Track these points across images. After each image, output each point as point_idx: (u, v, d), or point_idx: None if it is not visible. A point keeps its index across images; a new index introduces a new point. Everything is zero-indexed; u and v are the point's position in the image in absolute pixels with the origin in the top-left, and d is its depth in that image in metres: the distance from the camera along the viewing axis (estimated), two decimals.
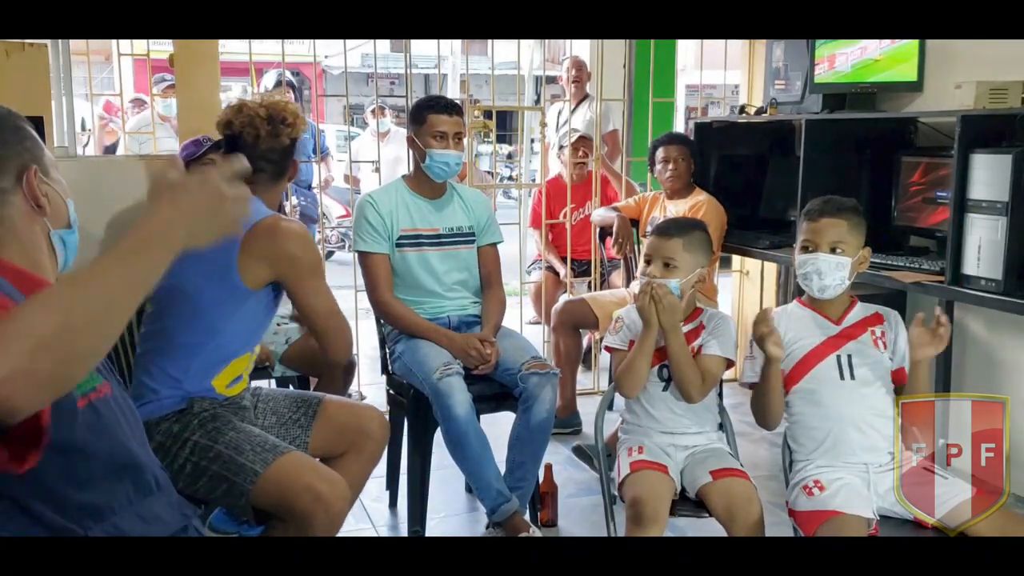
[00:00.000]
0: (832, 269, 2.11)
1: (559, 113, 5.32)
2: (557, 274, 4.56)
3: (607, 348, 2.40)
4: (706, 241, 2.34)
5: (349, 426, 2.21)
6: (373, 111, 6.19)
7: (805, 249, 2.14)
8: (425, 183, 2.88)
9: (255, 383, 2.96)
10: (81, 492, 1.27)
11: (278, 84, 5.61)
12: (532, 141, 7.48)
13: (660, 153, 3.67)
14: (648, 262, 2.28)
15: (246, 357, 2.12)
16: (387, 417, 3.02)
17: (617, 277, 4.20)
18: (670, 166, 3.62)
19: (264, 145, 2.11)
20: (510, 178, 11.09)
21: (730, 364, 2.31)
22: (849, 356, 2.11)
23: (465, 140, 2.89)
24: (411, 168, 3.05)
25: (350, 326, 2.17)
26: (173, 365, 2.02)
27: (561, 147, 4.66)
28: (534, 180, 6.56)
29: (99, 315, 1.02)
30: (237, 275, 1.96)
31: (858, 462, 2.06)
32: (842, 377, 2.10)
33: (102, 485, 1.30)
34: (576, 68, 5.08)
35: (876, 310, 2.20)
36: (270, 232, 1.98)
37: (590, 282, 4.46)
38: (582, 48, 5.32)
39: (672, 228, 2.33)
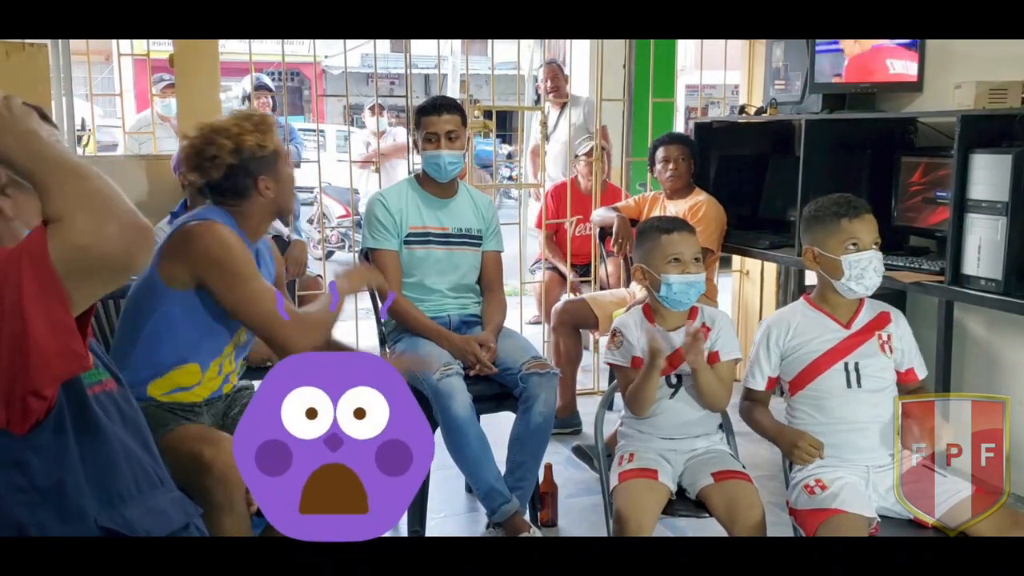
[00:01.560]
0: (881, 265, 2.10)
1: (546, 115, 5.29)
2: (559, 273, 4.56)
3: (607, 363, 2.41)
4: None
5: None
6: (372, 108, 6.19)
7: (850, 248, 2.08)
8: (433, 182, 2.90)
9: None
10: (92, 476, 1.28)
11: (258, 88, 5.61)
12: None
13: (660, 153, 3.67)
14: (676, 260, 2.21)
15: (191, 370, 2.08)
16: None
17: (611, 264, 4.20)
18: (670, 166, 3.62)
19: (205, 180, 2.11)
20: (510, 178, 11.08)
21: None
22: (857, 364, 2.10)
23: (464, 137, 2.89)
24: (413, 169, 3.06)
25: (300, 322, 2.01)
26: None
27: (576, 155, 4.64)
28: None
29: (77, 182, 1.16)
30: (156, 274, 2.02)
31: (859, 464, 2.06)
32: (849, 385, 2.09)
33: (110, 472, 1.32)
34: (551, 76, 5.04)
35: (881, 309, 2.19)
36: (185, 233, 2.03)
37: (593, 280, 4.46)
38: (582, 48, 5.30)
39: (682, 223, 2.33)
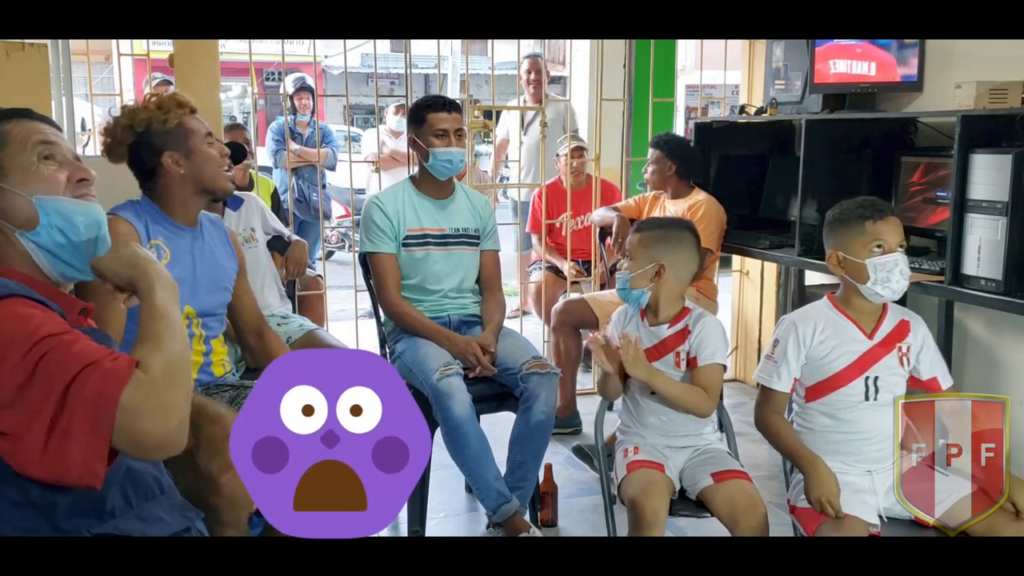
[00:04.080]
0: (907, 268, 2.05)
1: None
2: (557, 273, 4.56)
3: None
4: (674, 240, 2.28)
5: None
6: (398, 108, 6.27)
7: (875, 251, 2.03)
8: (431, 183, 2.89)
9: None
10: (85, 497, 1.28)
11: (301, 89, 5.64)
12: None
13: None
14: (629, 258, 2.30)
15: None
16: None
17: None
18: (649, 168, 3.67)
19: (122, 163, 2.13)
20: (509, 178, 11.07)
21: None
22: (876, 378, 2.07)
23: (465, 139, 2.89)
24: (412, 169, 3.05)
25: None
26: None
27: (557, 155, 4.66)
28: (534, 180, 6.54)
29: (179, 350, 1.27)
30: None
31: (864, 469, 2.06)
32: (867, 398, 2.07)
33: (104, 492, 1.30)
34: (535, 70, 4.95)
35: (902, 316, 2.14)
36: None
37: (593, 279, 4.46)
38: (582, 48, 5.30)
39: (642, 225, 2.35)
